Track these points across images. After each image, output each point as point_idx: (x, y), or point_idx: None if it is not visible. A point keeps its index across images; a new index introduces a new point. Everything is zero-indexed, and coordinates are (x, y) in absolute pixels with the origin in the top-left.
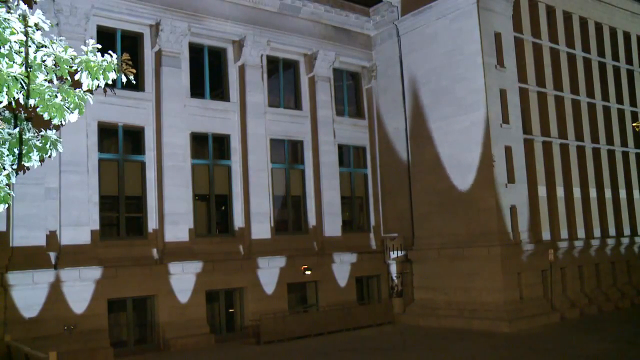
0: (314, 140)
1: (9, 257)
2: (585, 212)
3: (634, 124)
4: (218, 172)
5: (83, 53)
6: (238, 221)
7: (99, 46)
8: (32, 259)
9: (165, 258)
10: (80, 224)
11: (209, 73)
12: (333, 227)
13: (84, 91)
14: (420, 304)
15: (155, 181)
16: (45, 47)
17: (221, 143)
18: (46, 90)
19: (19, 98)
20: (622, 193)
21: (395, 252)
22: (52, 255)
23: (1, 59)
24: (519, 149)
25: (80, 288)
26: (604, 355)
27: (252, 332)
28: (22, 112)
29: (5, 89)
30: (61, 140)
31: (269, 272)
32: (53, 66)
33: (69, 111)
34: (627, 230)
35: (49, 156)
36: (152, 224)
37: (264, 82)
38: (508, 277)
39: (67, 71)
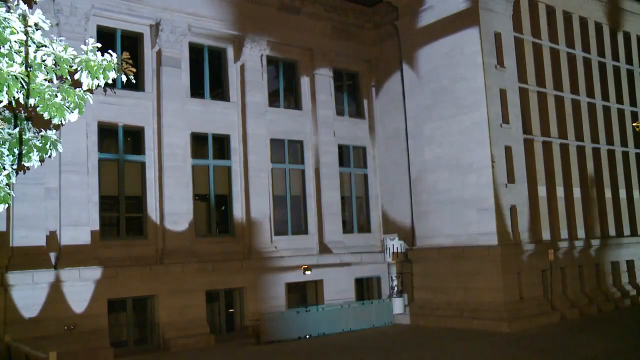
0: (314, 140)
1: (9, 257)
2: (585, 212)
3: (634, 124)
4: (218, 172)
5: (83, 53)
6: (238, 221)
7: (99, 45)
8: (32, 259)
9: (166, 258)
10: (80, 224)
11: (209, 73)
12: (333, 227)
13: (84, 91)
14: (420, 304)
15: (155, 181)
16: (45, 46)
17: (221, 143)
18: (46, 90)
19: (19, 97)
20: (622, 193)
21: (395, 252)
22: (52, 255)
23: (1, 59)
24: (519, 149)
25: (80, 288)
26: (604, 355)
27: (252, 332)
28: (22, 111)
29: (5, 89)
30: (61, 140)
31: (269, 272)
32: (53, 66)
33: (69, 111)
34: (627, 230)
35: (49, 156)
36: (152, 224)
37: (264, 81)
38: (508, 277)
39: (67, 71)
